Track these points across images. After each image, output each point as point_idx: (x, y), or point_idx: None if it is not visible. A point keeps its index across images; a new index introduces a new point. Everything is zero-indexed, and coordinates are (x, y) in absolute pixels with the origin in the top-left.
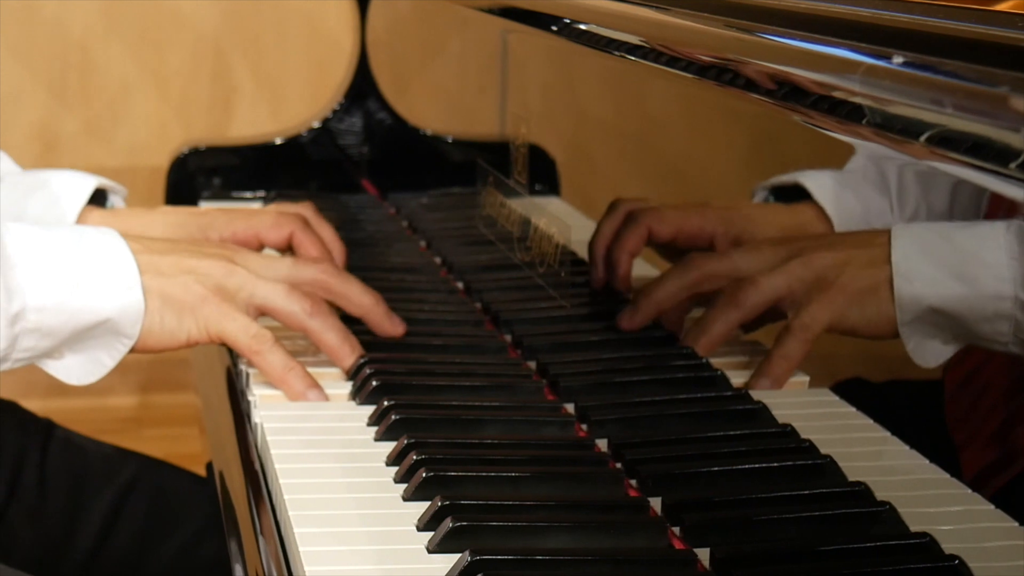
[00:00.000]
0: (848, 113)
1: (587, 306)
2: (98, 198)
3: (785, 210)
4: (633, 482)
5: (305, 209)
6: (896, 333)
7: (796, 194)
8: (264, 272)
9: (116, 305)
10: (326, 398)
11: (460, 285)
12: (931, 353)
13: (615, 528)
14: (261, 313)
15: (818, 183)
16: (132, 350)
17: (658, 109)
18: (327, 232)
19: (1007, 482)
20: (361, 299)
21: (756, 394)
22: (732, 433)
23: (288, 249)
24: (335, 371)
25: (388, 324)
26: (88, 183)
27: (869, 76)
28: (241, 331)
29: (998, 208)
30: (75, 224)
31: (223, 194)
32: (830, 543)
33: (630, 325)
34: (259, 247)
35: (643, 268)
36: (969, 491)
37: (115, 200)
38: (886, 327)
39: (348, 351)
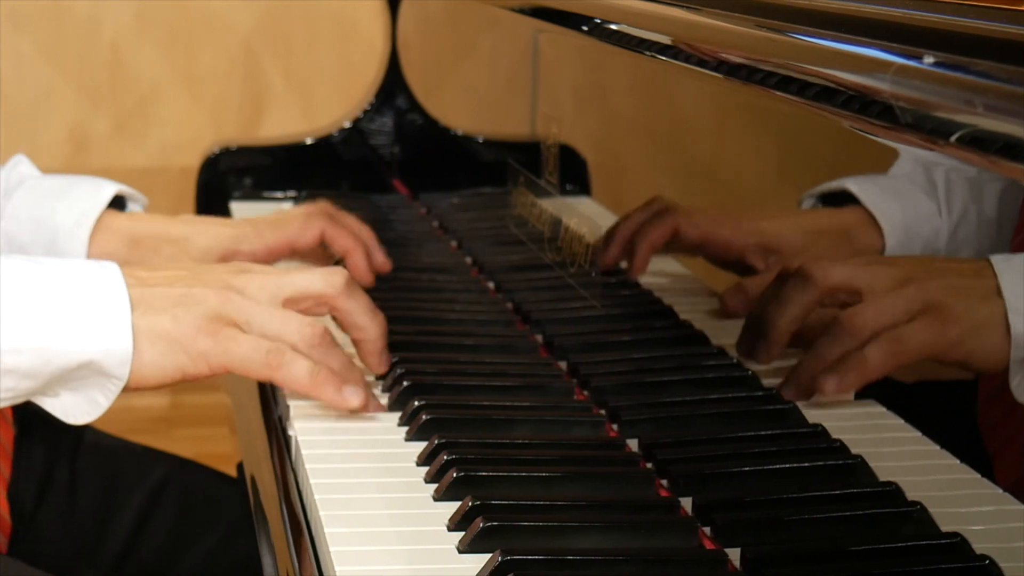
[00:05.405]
0: (879, 113)
1: (618, 306)
2: (118, 206)
3: (831, 215)
4: (664, 482)
5: (324, 205)
6: (1005, 369)
7: (842, 200)
8: (263, 295)
9: (100, 348)
10: (363, 395)
11: (491, 285)
12: None
13: (646, 528)
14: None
15: (865, 188)
16: (126, 388)
17: (689, 109)
18: (351, 220)
19: None
20: (363, 322)
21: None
22: (763, 433)
23: (321, 247)
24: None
25: (375, 360)
26: (107, 190)
27: (900, 76)
28: (251, 351)
29: None
30: (93, 229)
31: (254, 194)
32: (861, 543)
33: (768, 359)
34: (293, 253)
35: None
36: (1000, 491)
37: (134, 208)
38: (995, 363)
39: (347, 382)
